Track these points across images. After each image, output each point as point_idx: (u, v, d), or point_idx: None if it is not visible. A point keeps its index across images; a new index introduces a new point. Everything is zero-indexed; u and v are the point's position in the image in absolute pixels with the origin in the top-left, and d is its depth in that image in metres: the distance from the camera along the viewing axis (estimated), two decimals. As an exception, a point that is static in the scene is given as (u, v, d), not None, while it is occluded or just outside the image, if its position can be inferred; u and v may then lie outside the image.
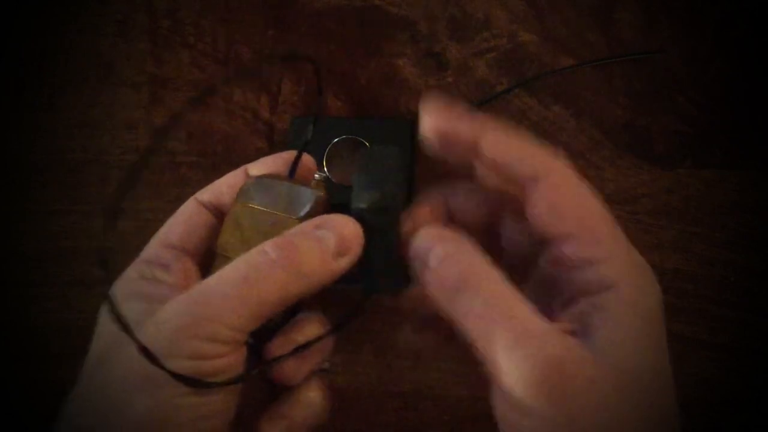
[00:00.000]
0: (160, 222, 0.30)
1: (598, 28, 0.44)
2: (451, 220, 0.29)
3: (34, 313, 0.43)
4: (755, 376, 0.42)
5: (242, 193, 0.28)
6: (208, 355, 0.24)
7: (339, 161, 0.42)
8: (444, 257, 0.24)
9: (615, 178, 0.43)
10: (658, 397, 0.23)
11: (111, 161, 0.44)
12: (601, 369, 0.22)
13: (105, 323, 0.26)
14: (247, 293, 0.24)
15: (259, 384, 0.28)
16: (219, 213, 0.30)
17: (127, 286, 0.27)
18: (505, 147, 0.26)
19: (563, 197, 0.25)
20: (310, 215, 0.27)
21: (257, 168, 0.30)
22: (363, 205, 0.26)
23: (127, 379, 0.24)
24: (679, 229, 0.43)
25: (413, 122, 0.41)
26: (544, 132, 0.44)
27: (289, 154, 0.30)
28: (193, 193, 0.30)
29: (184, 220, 0.29)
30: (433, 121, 0.26)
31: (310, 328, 0.28)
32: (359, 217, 0.26)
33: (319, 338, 0.27)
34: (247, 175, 0.30)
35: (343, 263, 0.26)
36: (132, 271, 0.28)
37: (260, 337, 0.27)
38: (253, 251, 0.25)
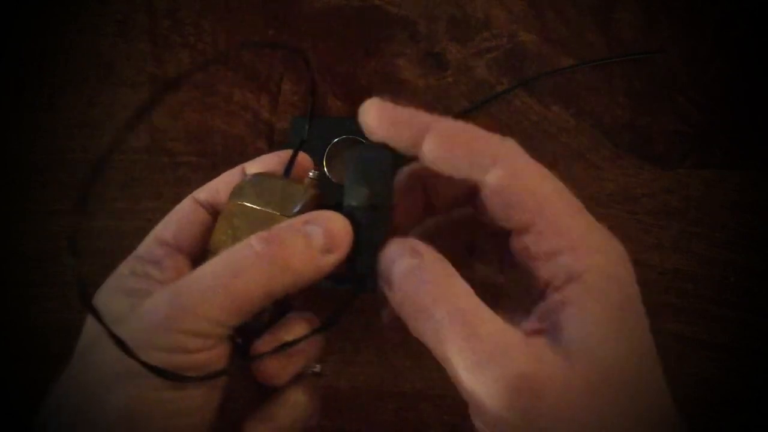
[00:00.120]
0: (159, 222, 0.30)
1: (598, 28, 0.44)
2: (429, 199, 0.29)
3: (34, 313, 0.43)
4: (755, 376, 0.42)
5: (236, 192, 0.28)
6: (187, 349, 0.23)
7: (339, 161, 0.42)
8: (406, 273, 0.24)
9: (615, 178, 0.43)
10: (639, 387, 0.22)
11: (111, 161, 0.44)
12: (572, 372, 0.21)
13: (92, 320, 0.25)
14: (229, 286, 0.24)
15: (247, 385, 0.28)
16: (215, 211, 0.30)
17: (117, 282, 0.27)
18: (447, 145, 0.25)
19: (516, 186, 0.24)
20: (302, 213, 0.27)
21: (254, 166, 0.30)
22: (353, 203, 0.26)
23: (104, 372, 0.23)
24: (679, 229, 0.43)
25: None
26: (544, 132, 0.44)
27: (286, 153, 0.30)
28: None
29: (179, 218, 0.29)
30: (375, 120, 0.25)
31: (298, 327, 0.27)
32: (349, 214, 0.26)
33: (302, 338, 0.26)
34: (244, 174, 0.30)
35: (331, 260, 0.25)
36: (124, 268, 0.28)
37: (248, 337, 0.27)
38: (238, 245, 0.25)
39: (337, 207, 0.26)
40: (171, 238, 0.29)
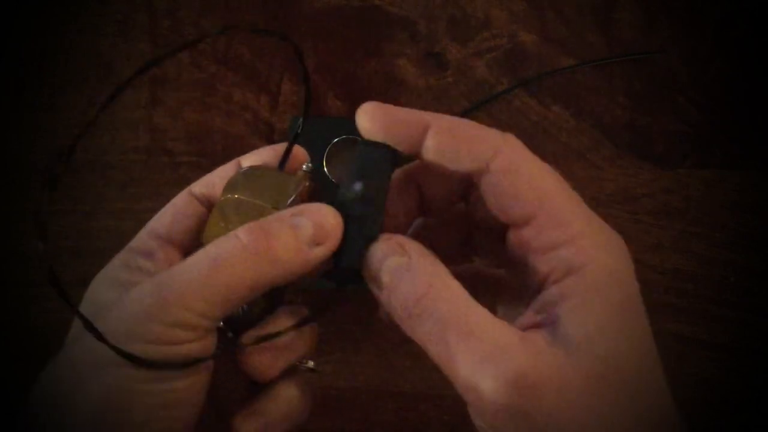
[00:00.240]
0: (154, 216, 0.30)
1: (598, 28, 0.44)
2: (423, 200, 0.29)
3: (34, 313, 0.43)
4: (755, 376, 0.42)
5: (230, 185, 0.28)
6: (171, 341, 0.23)
7: (339, 161, 0.42)
8: (394, 272, 0.24)
9: (615, 178, 0.43)
10: (638, 382, 0.22)
11: (111, 161, 0.44)
12: (571, 368, 0.21)
13: (83, 309, 0.25)
14: (214, 278, 0.23)
15: (237, 379, 0.27)
16: (210, 205, 0.29)
17: (108, 274, 0.27)
18: (446, 138, 0.25)
19: (516, 179, 0.24)
20: (294, 205, 0.26)
21: (250, 160, 0.30)
22: (347, 195, 0.25)
23: (84, 363, 0.23)
24: (679, 229, 0.43)
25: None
26: (544, 132, 0.44)
27: (282, 146, 0.30)
28: (192, 191, 0.30)
29: (174, 211, 0.29)
30: (372, 120, 0.25)
31: (287, 321, 0.27)
32: (342, 206, 0.25)
33: (284, 330, 0.26)
34: (240, 167, 0.30)
35: (320, 252, 0.25)
36: (116, 260, 0.28)
37: (240, 330, 0.26)
38: (224, 236, 0.24)
39: (330, 202, 0.26)
40: (165, 231, 0.28)
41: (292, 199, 0.27)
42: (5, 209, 0.44)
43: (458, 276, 0.24)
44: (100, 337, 0.22)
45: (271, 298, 0.27)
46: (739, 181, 0.43)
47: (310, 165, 0.29)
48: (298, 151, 0.30)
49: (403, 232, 0.29)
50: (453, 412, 0.42)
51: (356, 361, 0.43)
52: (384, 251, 0.24)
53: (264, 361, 0.26)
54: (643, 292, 0.24)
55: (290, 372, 0.28)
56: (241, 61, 0.45)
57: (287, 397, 0.27)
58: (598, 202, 0.43)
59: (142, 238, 0.29)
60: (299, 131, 0.29)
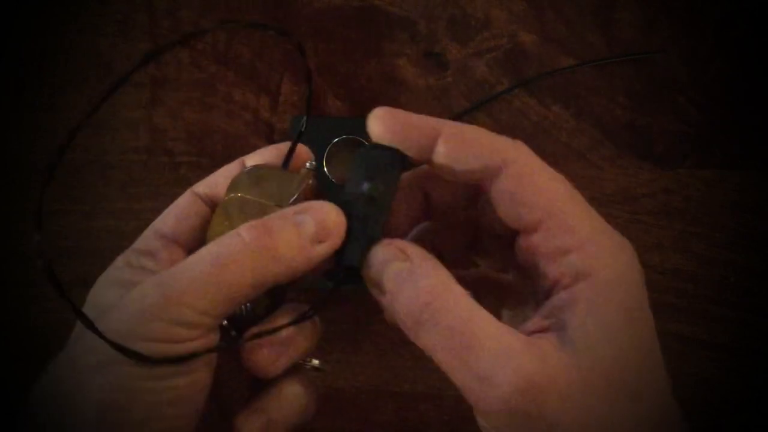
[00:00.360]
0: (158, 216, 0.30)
1: (598, 28, 0.44)
2: (429, 205, 0.29)
3: (34, 313, 0.43)
4: (755, 376, 0.42)
5: (234, 184, 0.28)
6: (173, 339, 0.23)
7: (339, 161, 0.42)
8: (396, 278, 0.24)
9: (615, 178, 0.43)
10: (642, 387, 0.22)
11: (111, 161, 0.44)
12: (577, 372, 0.21)
13: (85, 308, 0.25)
14: (216, 276, 0.23)
15: (241, 377, 0.27)
16: (214, 204, 0.29)
17: (112, 274, 0.27)
18: (458, 144, 0.25)
19: (527, 186, 0.24)
20: (298, 203, 0.26)
21: (254, 159, 0.30)
22: (352, 195, 0.25)
23: (86, 361, 0.23)
24: (679, 229, 0.43)
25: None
26: (544, 132, 0.44)
27: (286, 145, 0.29)
28: (193, 191, 0.30)
29: (178, 211, 0.29)
30: (384, 126, 0.25)
31: (288, 318, 0.27)
32: (346, 205, 0.25)
33: (284, 325, 0.26)
34: (244, 167, 0.30)
35: (322, 250, 0.25)
36: (120, 260, 0.28)
37: (242, 330, 0.26)
38: (227, 234, 0.24)
39: (335, 201, 0.26)
40: (168, 231, 0.28)
41: (295, 197, 0.27)
42: (5, 209, 0.44)
43: (463, 280, 0.24)
44: (98, 333, 0.22)
45: (274, 296, 0.27)
46: (739, 181, 0.43)
47: (313, 163, 0.29)
48: (302, 149, 0.30)
49: (405, 236, 0.29)
50: (453, 412, 0.42)
51: (356, 361, 0.43)
52: (385, 256, 0.24)
53: (265, 358, 0.26)
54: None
55: (294, 370, 0.28)
56: (241, 61, 0.45)
57: (291, 395, 0.27)
58: (598, 202, 0.43)
59: (146, 238, 0.28)
60: (303, 129, 0.29)
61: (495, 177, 0.25)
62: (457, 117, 0.44)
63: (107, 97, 0.24)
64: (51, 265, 0.23)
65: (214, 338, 0.24)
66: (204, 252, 0.24)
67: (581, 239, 0.23)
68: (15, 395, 0.42)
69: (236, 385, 0.28)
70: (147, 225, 0.29)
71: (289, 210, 0.25)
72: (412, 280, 0.23)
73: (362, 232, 0.25)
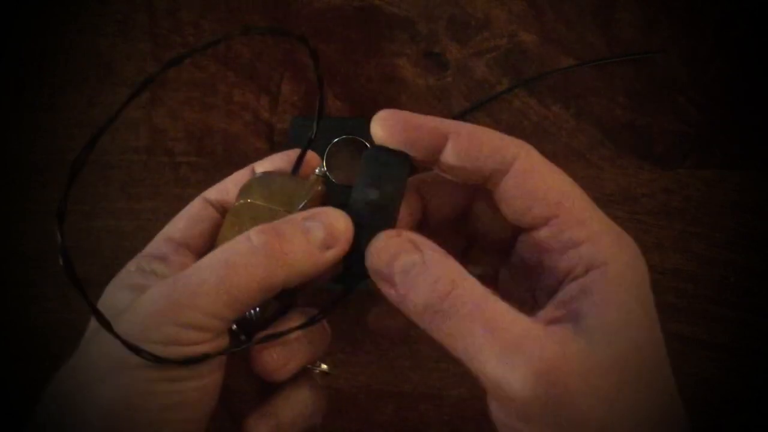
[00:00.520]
0: (160, 222, 0.30)
1: (598, 28, 0.44)
2: (426, 211, 0.29)
3: (34, 313, 0.43)
4: (755, 376, 0.42)
5: (244, 190, 0.28)
6: (183, 342, 0.23)
7: (339, 161, 0.42)
8: (409, 270, 0.24)
9: (615, 178, 0.43)
10: (653, 376, 0.23)
11: (111, 161, 0.44)
12: (594, 356, 0.22)
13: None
14: (226, 279, 0.23)
15: (250, 381, 0.28)
16: (224, 210, 0.30)
17: (123, 278, 0.27)
18: (469, 142, 0.25)
19: (536, 181, 0.25)
20: (307, 209, 0.27)
21: (264, 166, 0.30)
22: (360, 202, 0.26)
23: (99, 363, 0.23)
24: (679, 229, 0.43)
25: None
26: (544, 132, 0.44)
27: (295, 152, 0.30)
28: (193, 192, 0.30)
29: (188, 216, 0.29)
30: (389, 129, 0.25)
31: (297, 322, 0.27)
32: (354, 212, 0.26)
33: (292, 329, 0.26)
34: (254, 173, 0.30)
35: (330, 256, 0.25)
36: (131, 264, 0.28)
37: (252, 334, 0.27)
38: (238, 238, 0.24)
39: (342, 206, 0.26)
40: (179, 236, 0.29)
41: (304, 203, 0.27)
42: (5, 209, 0.44)
43: None
44: (112, 332, 0.22)
45: (283, 301, 0.27)
46: (739, 181, 0.43)
47: (323, 169, 0.29)
48: (311, 156, 0.30)
49: None
50: (453, 412, 0.42)
51: (356, 361, 0.43)
52: (395, 248, 0.24)
53: (275, 361, 0.26)
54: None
55: (303, 375, 0.28)
56: (241, 61, 0.45)
57: (300, 399, 0.27)
58: (598, 202, 0.43)
59: (157, 242, 0.29)
60: (313, 137, 0.29)
61: (504, 174, 0.25)
62: (457, 117, 0.44)
63: (138, 92, 0.24)
64: (72, 265, 0.23)
65: (223, 342, 0.25)
66: (214, 256, 0.24)
67: (591, 232, 0.24)
68: (15, 395, 0.42)
69: (246, 389, 0.28)
70: (147, 225, 0.29)
71: (298, 215, 0.26)
72: (427, 272, 0.23)
73: (369, 239, 0.25)
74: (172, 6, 0.45)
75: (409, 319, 0.24)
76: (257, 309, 0.26)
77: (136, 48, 0.45)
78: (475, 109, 0.44)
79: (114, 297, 0.26)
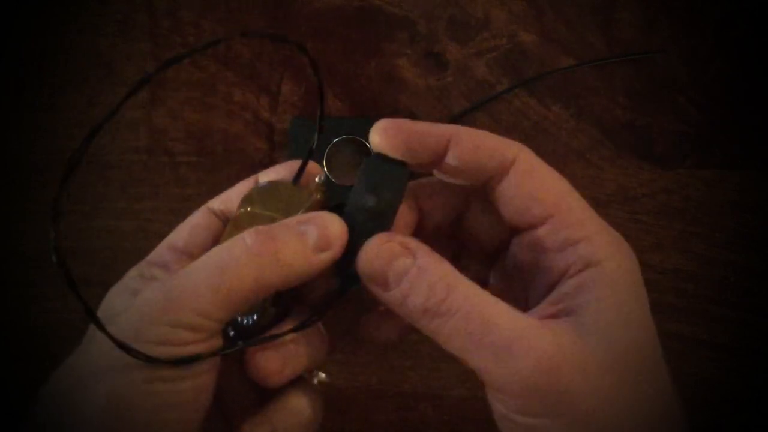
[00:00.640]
0: (159, 222, 0.30)
1: (598, 28, 0.44)
2: (421, 217, 0.29)
3: (34, 313, 0.43)
4: (755, 376, 0.42)
5: (245, 200, 0.29)
6: (176, 342, 0.23)
7: (339, 161, 0.42)
8: (404, 273, 0.24)
9: (615, 178, 0.43)
10: (646, 370, 0.23)
11: (111, 161, 0.44)
12: (589, 352, 0.22)
13: (100, 310, 0.26)
14: (220, 280, 0.24)
15: (246, 387, 0.28)
16: (228, 220, 0.30)
17: (124, 284, 0.27)
18: (470, 145, 0.26)
19: (533, 183, 0.26)
20: None
21: (267, 176, 0.30)
22: (357, 208, 0.26)
23: (95, 362, 0.23)
24: (679, 229, 0.43)
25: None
26: (544, 132, 0.44)
27: (297, 163, 0.30)
28: (193, 192, 0.31)
29: (192, 225, 0.30)
30: (389, 139, 0.26)
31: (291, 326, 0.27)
32: (351, 218, 0.26)
33: (286, 332, 0.26)
34: (257, 183, 0.30)
35: (323, 258, 0.25)
36: (133, 270, 0.28)
37: (249, 337, 0.27)
38: (232, 239, 0.25)
39: (339, 207, 0.27)
40: (182, 244, 0.29)
41: (302, 210, 0.27)
42: (5, 209, 0.44)
43: None
44: (104, 331, 0.22)
45: (279, 307, 0.27)
46: (739, 181, 0.43)
47: (323, 178, 0.29)
48: (313, 166, 0.30)
49: None
50: (453, 412, 0.42)
51: (356, 361, 0.43)
52: (387, 252, 0.25)
53: (269, 366, 0.26)
54: (643, 292, 0.24)
55: (301, 383, 0.28)
56: (241, 61, 0.45)
57: (296, 407, 0.27)
58: (598, 202, 0.43)
59: (160, 250, 0.29)
60: (314, 147, 0.29)
61: (503, 175, 0.26)
62: (457, 117, 0.44)
63: (135, 91, 0.24)
64: (67, 264, 0.23)
65: (217, 343, 0.25)
66: (208, 257, 0.24)
67: (589, 231, 0.25)
68: (15, 395, 0.42)
69: (242, 392, 0.28)
70: (147, 225, 0.29)
71: (293, 219, 0.26)
72: (423, 277, 0.24)
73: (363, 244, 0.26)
74: (172, 6, 0.45)
75: (404, 322, 0.25)
76: (254, 315, 0.27)
77: (136, 48, 0.45)
78: (475, 109, 0.44)
79: (114, 301, 0.26)
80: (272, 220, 0.27)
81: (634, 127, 0.44)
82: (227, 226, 0.28)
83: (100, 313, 0.27)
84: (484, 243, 0.29)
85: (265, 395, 0.28)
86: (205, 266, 0.24)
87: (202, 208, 0.30)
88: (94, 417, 0.22)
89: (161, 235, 0.30)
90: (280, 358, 0.26)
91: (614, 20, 0.44)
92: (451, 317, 0.23)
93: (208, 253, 0.24)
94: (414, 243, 0.25)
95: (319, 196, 0.28)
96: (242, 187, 0.30)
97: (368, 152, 0.42)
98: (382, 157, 0.26)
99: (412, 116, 0.44)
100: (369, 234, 0.26)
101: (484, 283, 0.30)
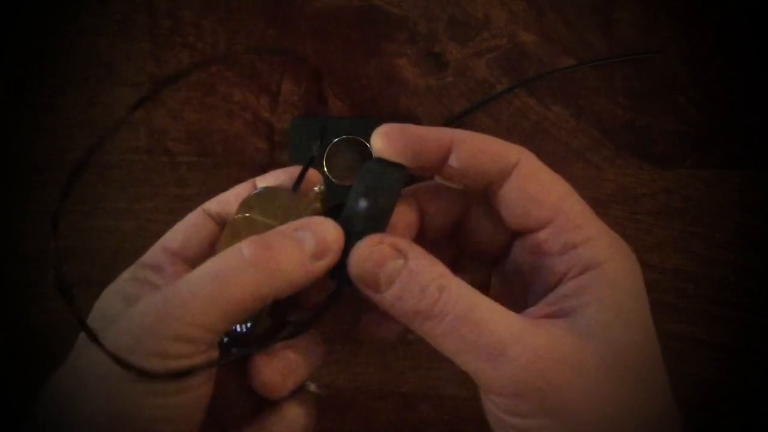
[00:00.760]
0: (159, 222, 0.30)
1: (598, 28, 0.44)
2: (422, 222, 0.29)
3: (34, 313, 0.43)
4: (755, 376, 0.42)
5: (243, 204, 0.28)
6: (174, 354, 0.23)
7: (339, 161, 0.42)
8: (396, 274, 0.24)
9: (615, 178, 0.43)
10: (645, 371, 0.23)
11: (111, 161, 0.44)
12: (585, 353, 0.22)
13: (93, 315, 0.26)
14: (217, 291, 0.23)
15: (241, 399, 0.28)
16: (224, 223, 0.30)
17: (117, 287, 0.27)
18: (473, 149, 0.26)
19: (535, 186, 0.26)
20: None
21: (265, 181, 0.30)
22: (352, 212, 0.26)
23: (91, 374, 0.23)
24: (679, 229, 0.43)
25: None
26: (544, 132, 0.44)
27: (297, 169, 0.30)
28: (193, 192, 0.30)
29: (187, 227, 0.29)
30: (392, 144, 0.26)
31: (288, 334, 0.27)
32: (345, 221, 0.26)
33: (281, 338, 0.26)
34: (255, 187, 0.30)
35: (321, 265, 0.25)
36: (127, 273, 0.28)
37: (244, 345, 0.26)
38: (229, 249, 0.24)
39: (337, 209, 0.27)
40: (177, 247, 0.29)
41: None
42: (5, 209, 0.44)
43: None
44: (102, 347, 0.22)
45: (275, 316, 0.27)
46: (739, 181, 0.43)
47: (322, 187, 0.29)
48: (312, 174, 0.30)
49: None
50: (453, 412, 0.42)
51: (356, 361, 0.43)
52: (378, 255, 0.25)
53: (275, 379, 0.26)
54: (643, 292, 0.24)
55: (296, 392, 0.28)
56: (240, 61, 0.45)
57: (292, 416, 0.27)
58: (598, 202, 0.43)
59: (154, 252, 0.29)
60: (315, 155, 0.29)
61: (505, 179, 0.26)
62: (457, 117, 0.44)
63: (135, 109, 0.24)
64: (65, 276, 0.23)
65: (213, 354, 0.25)
66: (205, 267, 0.24)
67: (589, 235, 0.25)
68: (15, 395, 0.42)
69: (236, 402, 0.28)
70: (147, 225, 0.29)
71: (289, 226, 0.26)
72: (414, 279, 0.24)
73: None
74: (172, 6, 0.45)
75: (400, 323, 0.25)
76: (248, 324, 0.26)
77: (136, 48, 0.45)
78: (475, 109, 0.44)
79: (106, 306, 0.26)
80: (269, 227, 0.27)
81: (634, 127, 0.44)
82: (224, 230, 0.28)
83: (94, 316, 0.27)
84: (485, 247, 0.29)
85: (259, 403, 0.27)
86: (202, 278, 0.24)
87: (198, 210, 0.30)
88: (90, 427, 0.22)
89: (161, 236, 0.30)
90: (284, 369, 0.26)
91: (614, 20, 0.44)
92: (443, 319, 0.23)
93: (205, 264, 0.24)
94: (406, 244, 0.25)
95: (318, 205, 0.28)
96: (239, 190, 0.30)
97: (368, 152, 0.42)
98: (379, 162, 0.26)
99: (412, 116, 0.44)
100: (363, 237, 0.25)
101: (485, 288, 0.30)
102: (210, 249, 0.29)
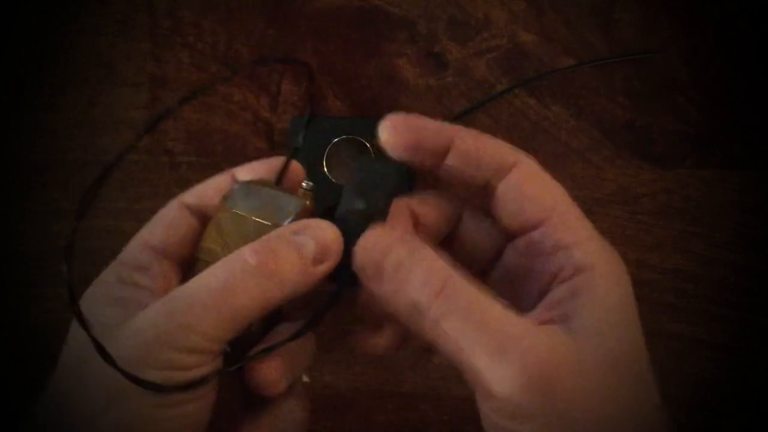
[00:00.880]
0: (144, 225, 0.29)
1: (598, 28, 0.44)
2: (416, 226, 0.29)
3: (34, 313, 0.43)
4: (755, 376, 0.42)
5: (227, 198, 0.28)
6: (182, 366, 0.23)
7: (339, 161, 0.42)
8: (397, 267, 0.24)
9: (615, 178, 0.43)
10: (644, 372, 0.24)
11: (111, 161, 0.44)
12: (585, 354, 0.22)
13: (78, 328, 0.25)
14: (226, 302, 0.23)
15: (237, 396, 0.28)
16: (203, 216, 0.29)
17: (103, 290, 0.27)
18: (474, 145, 0.26)
19: (531, 186, 0.26)
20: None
21: (245, 173, 0.30)
22: (347, 211, 0.26)
23: (97, 391, 0.23)
24: (679, 229, 0.43)
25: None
26: (544, 132, 0.44)
27: (278, 161, 0.30)
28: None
29: (167, 222, 0.29)
30: (398, 135, 0.26)
31: (286, 335, 0.27)
32: (342, 221, 0.26)
33: (286, 341, 0.26)
34: (234, 180, 0.29)
35: (322, 270, 0.25)
36: (110, 274, 0.27)
37: (240, 348, 0.26)
38: (232, 257, 0.24)
39: (330, 211, 0.26)
40: (158, 243, 0.28)
41: (292, 218, 0.27)
42: (5, 209, 0.44)
43: None
44: (116, 366, 0.22)
45: (270, 315, 0.27)
46: (739, 181, 0.43)
47: (310, 183, 0.28)
48: (295, 166, 0.30)
49: None
50: (453, 412, 0.42)
51: (356, 361, 0.43)
52: (384, 244, 0.24)
53: (273, 378, 0.26)
54: (643, 292, 0.25)
55: (291, 385, 0.28)
56: (241, 61, 0.45)
57: (288, 410, 0.28)
58: (598, 202, 0.43)
59: (134, 250, 0.28)
60: (299, 147, 0.29)
61: (502, 178, 0.26)
62: (457, 117, 0.44)
63: (140, 137, 0.24)
64: (76, 298, 0.23)
65: (219, 361, 0.25)
66: (210, 276, 0.24)
67: (580, 236, 0.25)
68: (15, 395, 0.42)
69: (231, 402, 0.28)
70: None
71: (287, 229, 0.26)
72: (419, 269, 0.24)
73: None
74: (172, 6, 0.45)
75: (396, 333, 0.25)
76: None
77: (136, 48, 0.45)
78: (475, 109, 0.44)
79: (97, 311, 0.26)
80: (257, 226, 0.26)
81: (634, 127, 0.44)
82: (208, 226, 0.28)
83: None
84: (478, 254, 0.29)
85: (252, 401, 0.27)
86: (207, 287, 0.24)
87: (174, 202, 0.29)
88: (94, 418, 0.22)
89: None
90: (282, 368, 0.26)
91: (614, 20, 0.44)
92: (444, 314, 0.23)
93: (209, 273, 0.24)
94: (410, 236, 0.25)
95: (308, 203, 0.28)
96: (218, 182, 0.30)
97: (369, 152, 0.42)
98: (372, 161, 0.26)
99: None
100: (360, 236, 0.25)
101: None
102: (192, 245, 0.29)
